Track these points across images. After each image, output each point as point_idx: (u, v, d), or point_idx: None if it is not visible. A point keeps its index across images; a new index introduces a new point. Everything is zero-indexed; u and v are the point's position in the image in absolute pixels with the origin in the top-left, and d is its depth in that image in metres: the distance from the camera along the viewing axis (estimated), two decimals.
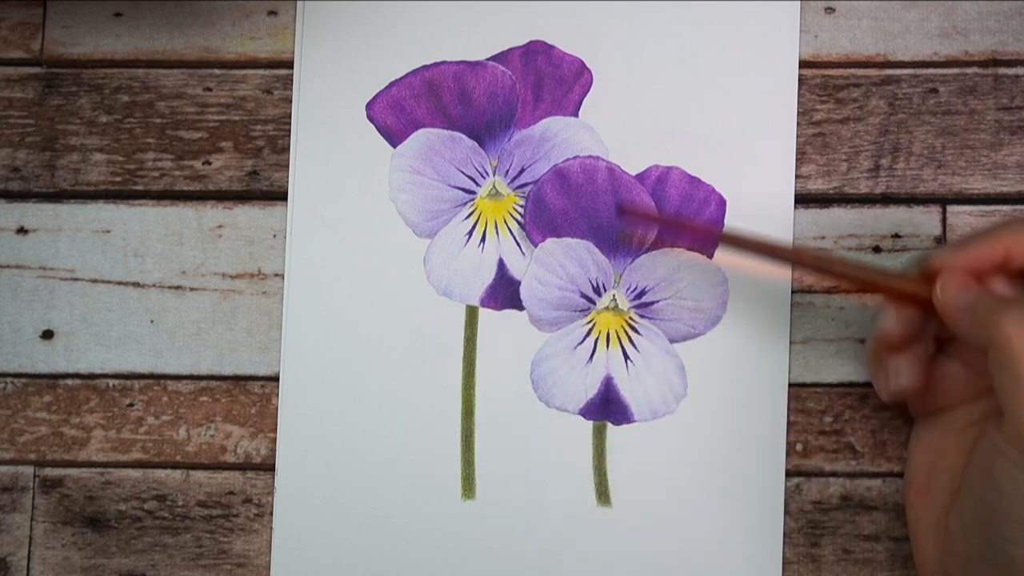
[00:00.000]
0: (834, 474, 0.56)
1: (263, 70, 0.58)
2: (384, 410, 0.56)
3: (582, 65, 0.57)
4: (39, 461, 0.57)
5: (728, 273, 0.56)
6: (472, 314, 0.57)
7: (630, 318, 0.56)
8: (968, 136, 0.57)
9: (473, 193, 0.57)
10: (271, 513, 0.56)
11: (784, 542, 0.55)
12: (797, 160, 0.57)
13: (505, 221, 0.57)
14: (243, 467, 0.57)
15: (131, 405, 0.57)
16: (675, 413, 0.56)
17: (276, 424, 0.57)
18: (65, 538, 0.57)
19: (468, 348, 0.56)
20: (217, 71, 0.58)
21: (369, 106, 0.57)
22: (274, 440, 0.57)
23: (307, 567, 0.56)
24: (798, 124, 0.57)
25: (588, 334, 0.56)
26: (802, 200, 0.57)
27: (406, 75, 0.57)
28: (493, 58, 0.57)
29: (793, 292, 0.56)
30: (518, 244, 0.57)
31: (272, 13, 0.58)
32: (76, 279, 0.58)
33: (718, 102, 0.57)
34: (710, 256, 0.56)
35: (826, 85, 0.57)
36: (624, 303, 0.56)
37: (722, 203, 0.56)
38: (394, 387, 0.56)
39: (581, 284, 0.56)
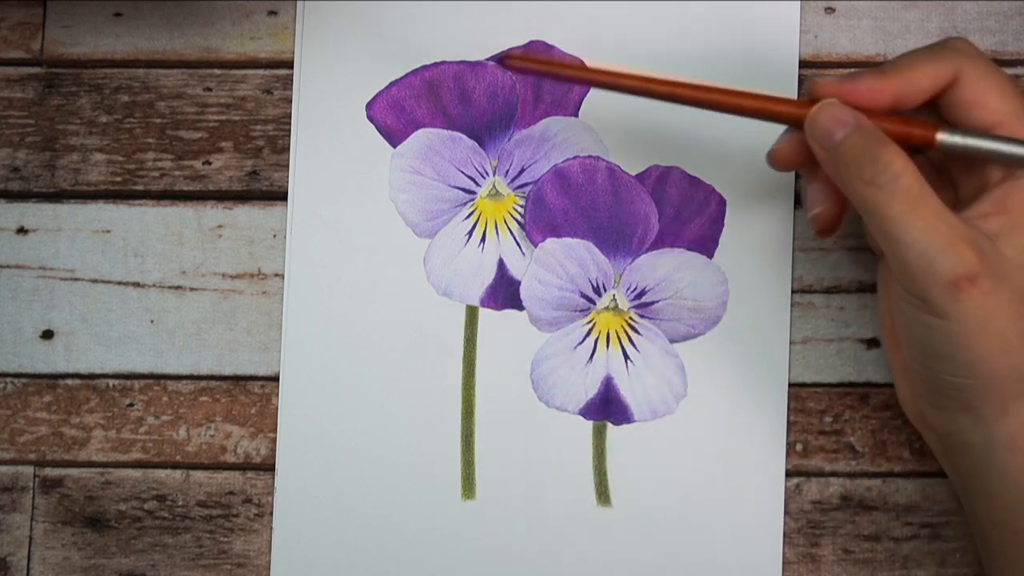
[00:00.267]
0: (834, 474, 0.56)
1: (263, 70, 0.58)
2: (384, 410, 0.56)
3: (582, 65, 0.57)
4: (39, 461, 0.57)
5: (728, 273, 0.56)
6: (472, 314, 0.57)
7: (630, 318, 0.56)
8: None
9: (473, 193, 0.57)
10: (271, 513, 0.56)
11: (784, 542, 0.55)
12: None
13: (505, 221, 0.57)
14: (243, 467, 0.57)
15: (131, 405, 0.57)
16: (675, 413, 0.56)
17: (276, 424, 0.57)
18: (65, 538, 0.57)
19: (468, 348, 0.56)
20: (217, 71, 0.58)
21: (369, 106, 0.57)
22: (274, 440, 0.57)
23: (307, 567, 0.56)
24: None
25: (588, 334, 0.56)
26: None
27: (406, 75, 0.57)
28: (493, 58, 0.57)
29: (793, 292, 0.56)
30: (518, 244, 0.57)
31: (272, 13, 0.58)
32: (76, 279, 0.58)
33: None
34: (710, 256, 0.56)
35: None
36: (624, 303, 0.56)
37: (722, 203, 0.56)
38: (394, 387, 0.56)
39: (581, 284, 0.56)
